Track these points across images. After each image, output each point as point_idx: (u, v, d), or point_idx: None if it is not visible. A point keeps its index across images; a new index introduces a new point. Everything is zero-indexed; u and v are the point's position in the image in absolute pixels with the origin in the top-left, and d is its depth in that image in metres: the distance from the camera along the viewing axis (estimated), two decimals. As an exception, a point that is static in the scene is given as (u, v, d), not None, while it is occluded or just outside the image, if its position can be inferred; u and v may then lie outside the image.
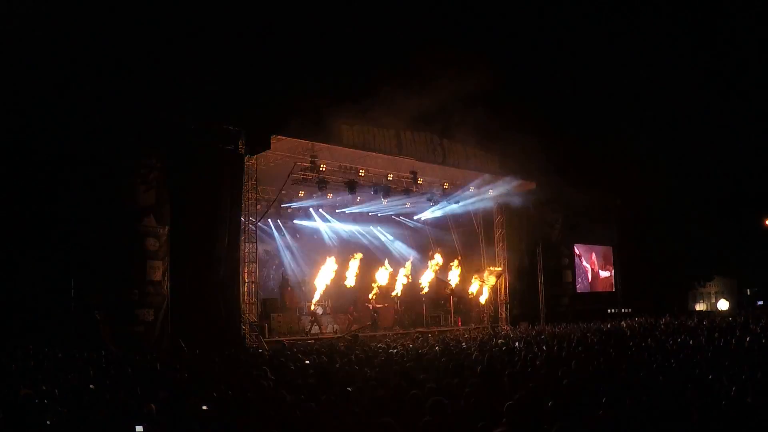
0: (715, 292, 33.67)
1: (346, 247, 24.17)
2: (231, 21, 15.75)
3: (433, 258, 24.32)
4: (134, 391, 7.45)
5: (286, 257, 23.28)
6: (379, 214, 25.57)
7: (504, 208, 24.71)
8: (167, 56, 15.79)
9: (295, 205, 22.90)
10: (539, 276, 25.97)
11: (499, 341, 14.38)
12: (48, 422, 6.12)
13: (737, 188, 27.63)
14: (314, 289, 21.29)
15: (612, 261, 30.41)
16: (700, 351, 10.85)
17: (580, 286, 28.43)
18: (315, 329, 20.14)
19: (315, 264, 22.67)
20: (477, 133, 20.79)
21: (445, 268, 24.79)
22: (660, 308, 26.83)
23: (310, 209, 23.74)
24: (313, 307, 20.82)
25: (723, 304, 32.55)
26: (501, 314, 24.73)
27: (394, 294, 23.12)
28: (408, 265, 24.23)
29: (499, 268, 24.73)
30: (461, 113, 19.71)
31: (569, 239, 27.81)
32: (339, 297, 22.82)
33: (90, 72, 15.31)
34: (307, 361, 10.64)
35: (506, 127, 20.45)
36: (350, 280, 22.21)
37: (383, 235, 26.25)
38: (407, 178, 21.24)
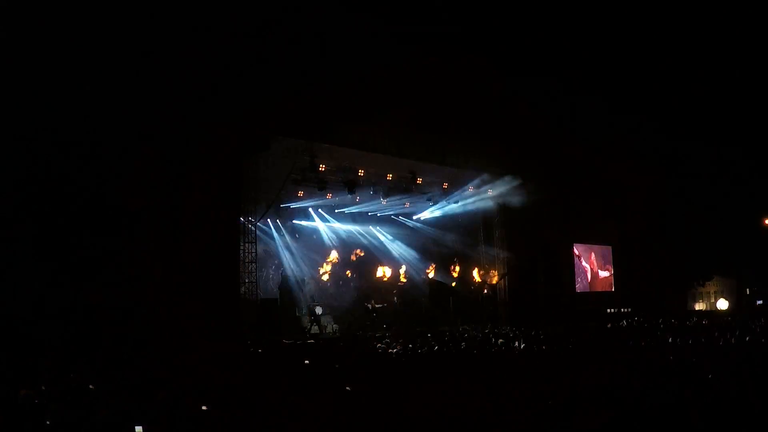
0: (715, 292, 33.66)
1: (346, 247, 24.20)
2: (230, 20, 15.73)
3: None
4: (134, 391, 7.45)
5: (286, 257, 23.28)
6: (378, 214, 25.57)
7: (504, 208, 24.73)
8: (167, 56, 15.77)
9: (294, 205, 22.88)
10: (538, 276, 25.98)
11: (500, 341, 14.41)
12: (48, 422, 6.12)
13: (737, 188, 27.61)
14: (314, 289, 21.32)
15: (611, 261, 30.42)
16: (700, 351, 10.86)
17: (580, 286, 28.45)
18: (315, 329, 20.15)
19: (315, 264, 22.67)
20: (477, 133, 20.80)
21: (445, 268, 24.81)
22: (660, 308, 26.83)
23: (310, 209, 23.73)
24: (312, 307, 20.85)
25: (723, 304, 32.55)
26: (501, 314, 24.75)
27: (394, 292, 23.20)
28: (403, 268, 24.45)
29: (503, 272, 24.85)
30: (461, 113, 19.71)
31: (569, 239, 27.82)
32: (339, 297, 22.84)
33: (89, 72, 15.28)
34: (306, 361, 10.65)
35: (506, 126, 20.46)
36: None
37: (382, 235, 26.25)
38: (407, 178, 21.24)
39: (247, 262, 17.71)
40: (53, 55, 14.18)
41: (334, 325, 21.39)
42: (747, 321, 17.60)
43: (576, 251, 28.48)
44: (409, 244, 26.26)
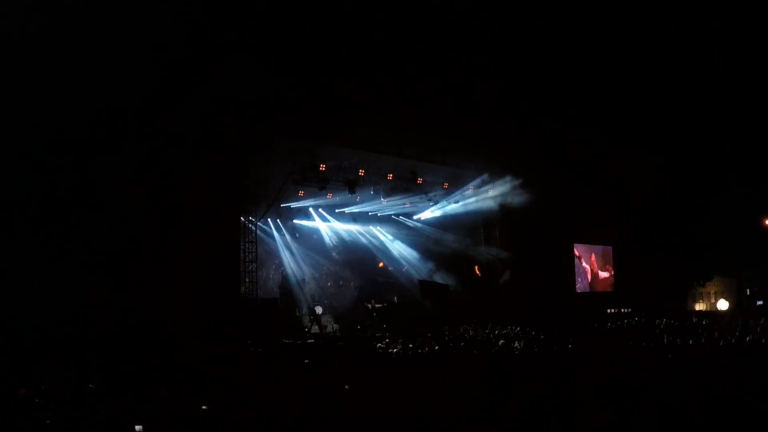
0: (715, 292, 33.62)
1: (346, 247, 24.22)
2: (230, 20, 15.72)
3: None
4: (134, 391, 7.45)
5: (286, 257, 23.28)
6: (379, 214, 25.58)
7: (504, 208, 24.72)
8: (167, 56, 15.76)
9: (294, 204, 22.90)
10: (538, 276, 25.96)
11: (500, 341, 14.40)
12: (48, 422, 6.12)
13: (737, 188, 27.57)
14: (314, 289, 21.34)
15: (611, 261, 30.40)
16: (700, 351, 10.86)
17: (580, 287, 28.44)
18: (315, 329, 20.15)
19: (315, 264, 22.66)
20: (477, 133, 20.79)
21: (445, 269, 24.82)
22: (660, 308, 26.80)
23: (310, 209, 23.74)
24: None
25: (723, 304, 32.49)
26: (501, 314, 24.71)
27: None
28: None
29: (503, 272, 24.91)
30: (461, 113, 19.70)
31: (569, 239, 27.81)
32: (339, 297, 22.85)
33: (89, 72, 15.28)
34: (306, 360, 10.66)
35: (506, 126, 20.44)
36: None
37: (383, 234, 26.25)
38: (407, 177, 21.24)
39: (247, 262, 17.72)
40: (53, 55, 14.18)
41: (334, 325, 21.40)
42: (747, 321, 17.57)
43: (576, 252, 28.48)
44: (409, 244, 26.27)
